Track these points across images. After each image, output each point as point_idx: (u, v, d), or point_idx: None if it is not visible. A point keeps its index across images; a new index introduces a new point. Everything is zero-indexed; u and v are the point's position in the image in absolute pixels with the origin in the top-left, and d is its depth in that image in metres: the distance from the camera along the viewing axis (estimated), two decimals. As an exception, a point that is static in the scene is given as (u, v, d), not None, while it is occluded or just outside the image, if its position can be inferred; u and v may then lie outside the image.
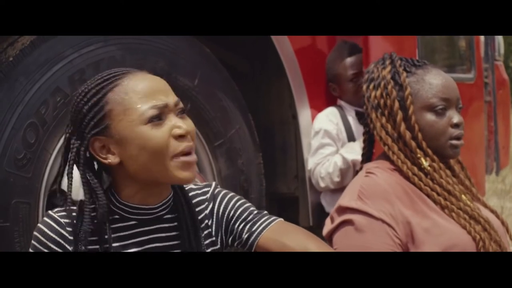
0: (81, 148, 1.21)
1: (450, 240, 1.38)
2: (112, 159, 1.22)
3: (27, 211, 1.80)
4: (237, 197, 1.37)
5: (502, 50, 3.69)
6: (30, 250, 1.24)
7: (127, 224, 1.26)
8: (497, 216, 1.53)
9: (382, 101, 1.51)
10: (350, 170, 2.21)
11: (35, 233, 1.23)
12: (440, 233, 1.38)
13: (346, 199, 1.46)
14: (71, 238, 1.21)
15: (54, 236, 1.21)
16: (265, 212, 1.35)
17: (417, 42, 2.50)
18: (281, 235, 1.28)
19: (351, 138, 2.38)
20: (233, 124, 2.37)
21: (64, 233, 1.22)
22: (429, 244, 1.37)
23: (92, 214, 1.21)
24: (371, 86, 1.54)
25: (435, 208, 1.43)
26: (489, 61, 3.20)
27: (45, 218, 1.24)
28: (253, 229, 1.30)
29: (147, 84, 1.24)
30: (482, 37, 3.16)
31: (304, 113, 2.48)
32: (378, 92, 1.51)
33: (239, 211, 1.33)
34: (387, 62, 1.53)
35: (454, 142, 1.46)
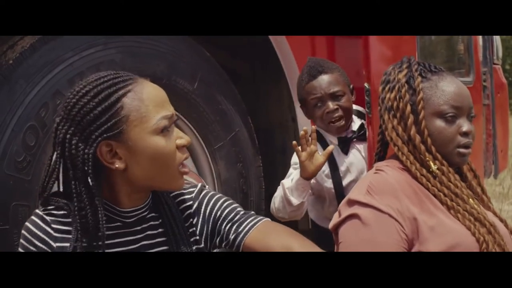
0: (89, 151, 1.19)
1: (454, 240, 1.39)
2: (119, 164, 1.22)
3: (26, 214, 1.79)
4: (224, 198, 1.39)
5: (500, 54, 3.69)
6: (19, 248, 1.25)
7: (113, 225, 1.27)
8: (506, 226, 1.54)
9: (395, 104, 1.53)
10: (283, 198, 2.01)
11: (22, 231, 1.25)
12: (445, 232, 1.40)
13: (355, 193, 1.48)
14: (55, 235, 1.23)
15: (39, 233, 1.23)
16: (252, 212, 1.37)
17: (416, 45, 2.51)
18: (266, 235, 1.31)
19: (334, 167, 2.12)
20: (232, 127, 2.37)
21: (49, 230, 1.23)
22: (433, 242, 1.38)
23: (89, 216, 1.21)
24: (386, 88, 1.56)
25: (441, 208, 1.45)
26: (488, 64, 3.20)
27: (32, 217, 1.25)
28: (239, 230, 1.32)
29: (158, 93, 1.26)
30: (480, 41, 3.17)
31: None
32: (392, 95, 1.53)
33: (226, 211, 1.35)
34: (404, 65, 1.55)
35: (462, 150, 1.48)
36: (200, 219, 1.36)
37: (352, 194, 1.49)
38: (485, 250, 1.39)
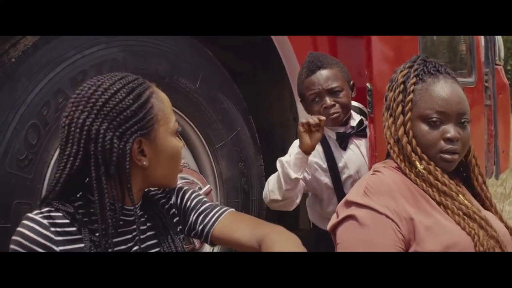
0: (126, 147, 1.22)
1: (451, 239, 1.40)
2: (145, 162, 1.27)
3: (28, 212, 1.77)
4: (191, 190, 1.46)
5: (502, 54, 3.69)
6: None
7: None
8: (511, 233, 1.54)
9: (391, 103, 1.55)
10: (281, 173, 2.00)
11: (15, 237, 1.19)
12: (442, 232, 1.41)
13: (353, 194, 1.50)
14: (57, 238, 1.20)
15: (38, 239, 1.19)
16: (217, 203, 1.46)
17: (418, 46, 2.51)
18: (232, 226, 1.37)
19: (332, 162, 2.12)
20: (234, 126, 2.38)
21: (49, 234, 1.20)
22: (429, 242, 1.39)
23: (108, 214, 1.23)
24: (389, 87, 1.58)
25: (438, 208, 1.46)
26: (490, 65, 3.20)
27: (25, 221, 1.21)
28: (206, 221, 1.39)
29: (167, 97, 1.33)
30: (482, 41, 3.17)
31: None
32: (391, 94, 1.56)
33: (194, 202, 1.42)
34: (407, 65, 1.56)
35: (445, 155, 1.48)
36: (176, 210, 1.43)
37: (349, 196, 1.50)
38: (477, 243, 1.40)
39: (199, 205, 1.42)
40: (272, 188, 2.06)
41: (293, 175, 1.97)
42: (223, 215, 1.39)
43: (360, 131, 2.16)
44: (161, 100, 1.29)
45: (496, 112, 3.24)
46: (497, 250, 1.42)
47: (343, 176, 2.12)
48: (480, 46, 3.14)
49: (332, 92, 2.07)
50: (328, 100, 2.07)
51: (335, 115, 2.08)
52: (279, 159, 2.04)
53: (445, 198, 1.46)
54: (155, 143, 1.27)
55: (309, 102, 2.11)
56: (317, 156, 2.12)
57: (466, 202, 1.47)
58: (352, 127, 2.16)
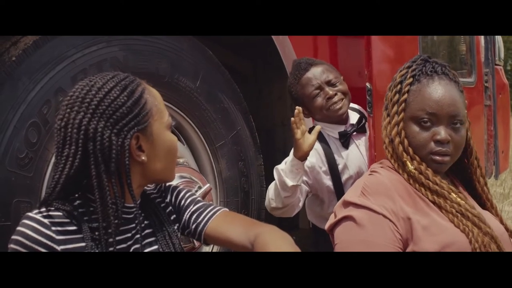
0: (124, 143, 1.23)
1: (448, 238, 1.40)
2: (144, 157, 1.28)
3: (28, 211, 1.77)
4: (185, 189, 1.48)
5: (502, 55, 3.69)
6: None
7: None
8: (511, 236, 1.54)
9: (388, 103, 1.56)
10: (278, 182, 2.00)
11: (16, 237, 1.18)
12: (439, 231, 1.41)
13: (350, 194, 1.50)
14: (58, 237, 1.19)
15: (40, 238, 1.18)
16: (211, 203, 1.47)
17: (418, 46, 2.51)
18: (224, 225, 1.38)
19: (333, 165, 2.12)
20: (234, 126, 2.38)
21: (51, 233, 1.19)
22: (427, 241, 1.39)
23: (119, 212, 1.24)
24: (389, 87, 1.59)
25: (434, 207, 1.47)
26: (490, 65, 3.20)
27: (26, 221, 1.19)
28: (199, 220, 1.40)
29: (160, 94, 1.35)
30: (482, 42, 3.17)
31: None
32: (389, 94, 1.57)
33: (188, 201, 1.44)
34: (407, 65, 1.56)
35: (435, 157, 1.49)
36: (172, 208, 1.44)
37: (347, 196, 1.51)
38: (472, 240, 1.40)
39: (192, 204, 1.43)
40: (272, 196, 2.07)
41: (290, 183, 1.97)
42: (216, 214, 1.41)
43: (360, 128, 2.17)
44: (153, 96, 1.31)
45: (495, 112, 3.24)
46: (493, 246, 1.42)
47: (344, 177, 2.12)
48: (480, 46, 3.14)
49: (330, 84, 2.11)
50: (330, 91, 2.10)
51: (340, 103, 2.09)
52: (275, 167, 2.05)
53: (438, 197, 1.47)
54: (152, 138, 1.28)
55: (311, 99, 2.12)
56: (319, 159, 2.12)
57: (458, 200, 1.48)
58: (352, 125, 2.17)
